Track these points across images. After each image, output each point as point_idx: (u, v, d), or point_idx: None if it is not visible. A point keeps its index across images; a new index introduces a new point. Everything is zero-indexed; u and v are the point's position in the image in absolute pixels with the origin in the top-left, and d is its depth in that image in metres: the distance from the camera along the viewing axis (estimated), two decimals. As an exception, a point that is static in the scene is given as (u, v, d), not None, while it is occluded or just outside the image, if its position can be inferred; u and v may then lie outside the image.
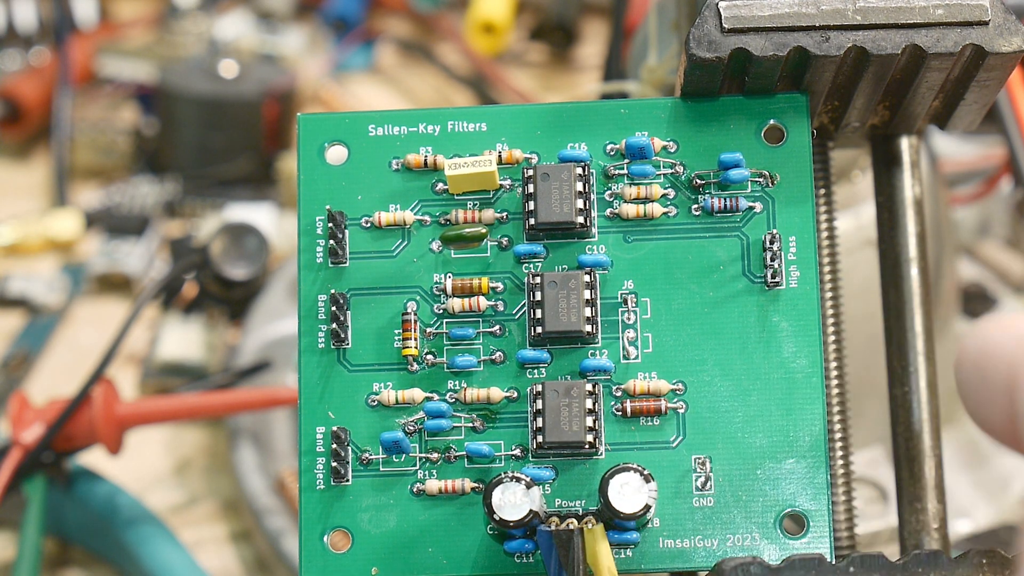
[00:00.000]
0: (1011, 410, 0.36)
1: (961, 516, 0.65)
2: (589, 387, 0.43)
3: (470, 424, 0.44)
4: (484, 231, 0.45)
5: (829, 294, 0.48)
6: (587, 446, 0.43)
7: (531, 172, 0.44)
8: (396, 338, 0.45)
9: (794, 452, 0.43)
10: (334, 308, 0.45)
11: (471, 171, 0.45)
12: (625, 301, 0.45)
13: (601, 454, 0.44)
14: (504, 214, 0.45)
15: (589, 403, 0.43)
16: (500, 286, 0.45)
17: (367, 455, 0.44)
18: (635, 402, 0.44)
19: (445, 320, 0.45)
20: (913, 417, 0.48)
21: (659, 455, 0.44)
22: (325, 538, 0.44)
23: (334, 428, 0.44)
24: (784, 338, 0.44)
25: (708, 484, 0.43)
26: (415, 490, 0.44)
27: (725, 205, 0.44)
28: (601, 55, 0.88)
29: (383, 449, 0.44)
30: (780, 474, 0.43)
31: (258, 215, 0.84)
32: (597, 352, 0.44)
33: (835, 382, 0.48)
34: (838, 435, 0.48)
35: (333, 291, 0.45)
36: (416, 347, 0.45)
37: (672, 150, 0.45)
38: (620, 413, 0.44)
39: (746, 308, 0.44)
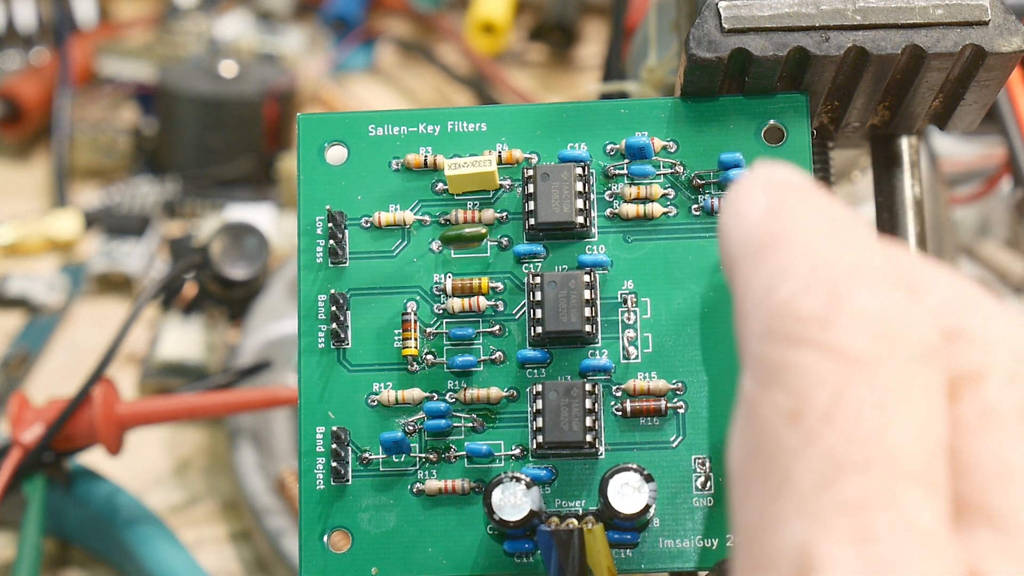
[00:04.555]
0: None
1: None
2: (589, 387, 0.43)
3: (470, 424, 0.44)
4: (484, 231, 0.45)
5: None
6: (587, 446, 0.43)
7: (531, 172, 0.44)
8: (396, 338, 0.45)
9: (794, 452, 0.43)
10: (334, 308, 0.45)
11: (471, 171, 0.45)
12: (625, 301, 0.45)
13: (601, 454, 0.44)
14: (504, 214, 0.45)
15: (589, 403, 0.43)
16: (500, 286, 0.45)
17: (367, 455, 0.44)
18: (635, 402, 0.44)
19: (445, 320, 0.45)
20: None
21: (659, 455, 0.44)
22: (325, 538, 0.44)
23: (334, 428, 0.44)
24: (784, 338, 0.44)
25: (708, 484, 0.43)
26: (415, 490, 0.44)
27: (725, 205, 0.44)
28: (601, 55, 0.88)
29: (383, 449, 0.44)
30: (780, 474, 0.43)
31: (258, 215, 0.84)
32: (597, 352, 0.44)
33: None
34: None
35: (333, 291, 0.45)
36: (416, 347, 0.45)
37: (672, 150, 0.45)
38: (620, 413, 0.44)
39: (746, 308, 0.44)
